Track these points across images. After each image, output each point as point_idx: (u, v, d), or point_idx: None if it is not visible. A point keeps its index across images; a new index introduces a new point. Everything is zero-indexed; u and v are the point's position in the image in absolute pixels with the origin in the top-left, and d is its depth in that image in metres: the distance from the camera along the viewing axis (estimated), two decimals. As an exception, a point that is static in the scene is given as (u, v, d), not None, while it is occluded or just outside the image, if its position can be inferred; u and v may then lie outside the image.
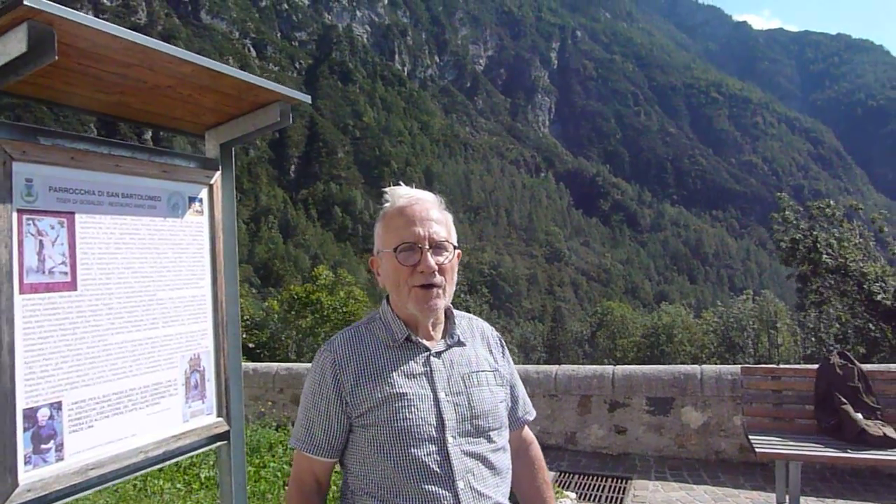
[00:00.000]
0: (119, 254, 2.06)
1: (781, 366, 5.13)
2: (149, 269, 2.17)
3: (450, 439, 1.51)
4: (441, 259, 1.58)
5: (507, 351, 1.79)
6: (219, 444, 2.42)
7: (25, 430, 1.77)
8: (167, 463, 2.22)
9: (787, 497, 4.07)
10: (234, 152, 2.59)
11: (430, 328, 1.64)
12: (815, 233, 16.10)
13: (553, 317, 68.08)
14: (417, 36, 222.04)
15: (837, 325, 15.90)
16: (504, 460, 1.62)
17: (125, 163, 2.11)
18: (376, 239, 1.66)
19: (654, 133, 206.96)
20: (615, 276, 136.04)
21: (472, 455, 1.53)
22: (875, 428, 3.96)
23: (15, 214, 1.78)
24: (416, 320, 1.62)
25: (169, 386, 2.22)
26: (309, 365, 7.38)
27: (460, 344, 1.66)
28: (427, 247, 1.56)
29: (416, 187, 1.68)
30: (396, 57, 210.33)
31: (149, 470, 2.15)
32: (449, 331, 1.67)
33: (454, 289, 1.65)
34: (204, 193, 2.42)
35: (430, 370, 1.58)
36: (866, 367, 4.52)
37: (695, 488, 4.95)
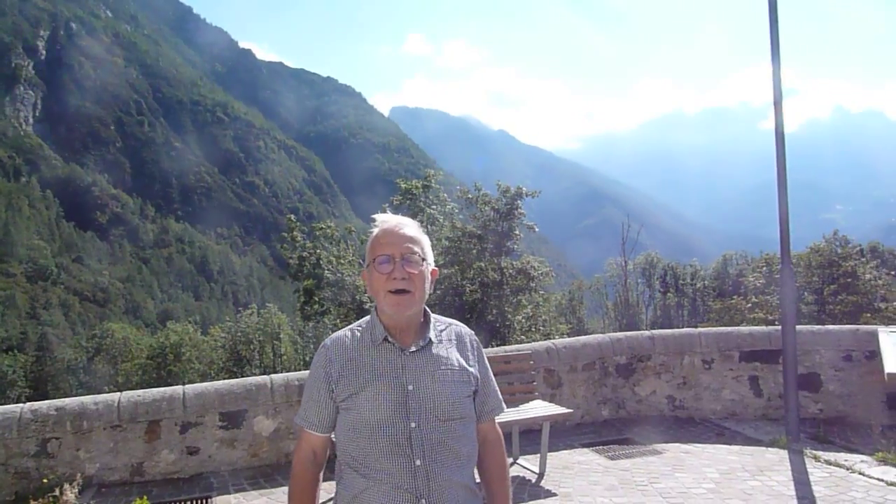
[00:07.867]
0: None
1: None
2: None
3: (412, 425, 1.86)
4: (412, 269, 1.92)
5: (482, 354, 2.11)
6: None
7: None
8: None
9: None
10: None
11: (406, 330, 1.98)
12: (318, 251, 18.11)
13: (38, 345, 59.79)
14: None
15: (331, 332, 18.51)
16: (466, 446, 1.94)
17: None
18: (366, 256, 2.00)
19: (158, 146, 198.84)
20: (114, 295, 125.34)
21: (432, 440, 1.86)
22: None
23: None
24: (394, 323, 1.96)
25: None
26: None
27: (432, 345, 1.99)
28: (399, 258, 1.91)
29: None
30: None
31: None
32: (423, 334, 1.99)
33: (426, 296, 1.98)
34: None
35: (403, 366, 1.92)
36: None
37: (274, 491, 5.24)
